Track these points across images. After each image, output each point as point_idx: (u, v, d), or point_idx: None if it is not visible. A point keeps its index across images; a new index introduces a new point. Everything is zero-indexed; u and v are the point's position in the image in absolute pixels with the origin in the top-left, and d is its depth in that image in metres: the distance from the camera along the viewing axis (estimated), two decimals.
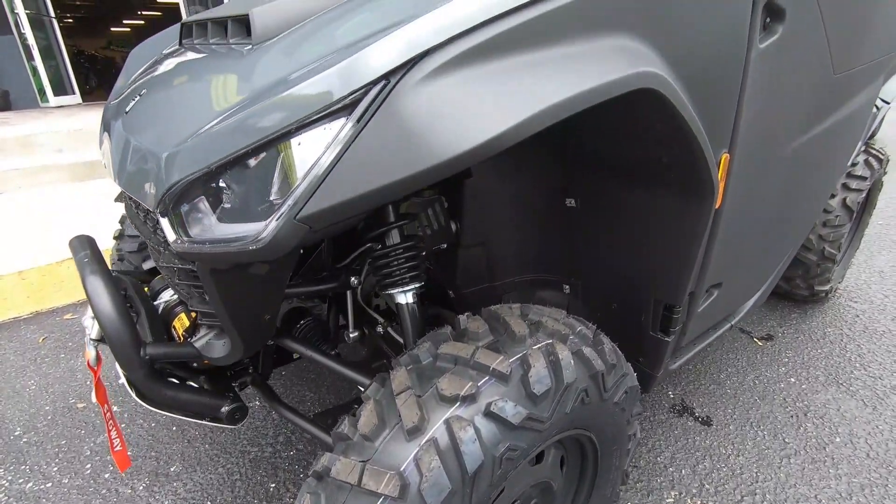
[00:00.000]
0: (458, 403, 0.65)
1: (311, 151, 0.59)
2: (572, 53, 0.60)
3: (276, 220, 0.59)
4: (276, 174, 0.62)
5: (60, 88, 7.15)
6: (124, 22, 16.99)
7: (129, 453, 1.42)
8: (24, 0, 6.40)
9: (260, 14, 0.80)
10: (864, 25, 1.14)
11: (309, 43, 0.69)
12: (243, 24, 0.85)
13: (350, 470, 0.63)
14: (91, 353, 1.02)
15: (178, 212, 0.71)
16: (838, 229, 1.83)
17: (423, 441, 0.62)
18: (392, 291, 0.91)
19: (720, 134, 0.82)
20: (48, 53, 6.85)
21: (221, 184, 0.67)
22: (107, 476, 1.36)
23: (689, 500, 1.25)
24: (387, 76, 0.55)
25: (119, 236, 1.62)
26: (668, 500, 1.25)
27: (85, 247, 1.00)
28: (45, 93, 6.82)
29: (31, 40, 6.50)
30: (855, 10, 1.07)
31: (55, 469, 1.39)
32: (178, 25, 1.48)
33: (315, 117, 0.57)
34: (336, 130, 0.56)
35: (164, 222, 0.72)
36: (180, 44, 1.15)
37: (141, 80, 1.04)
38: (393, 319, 1.15)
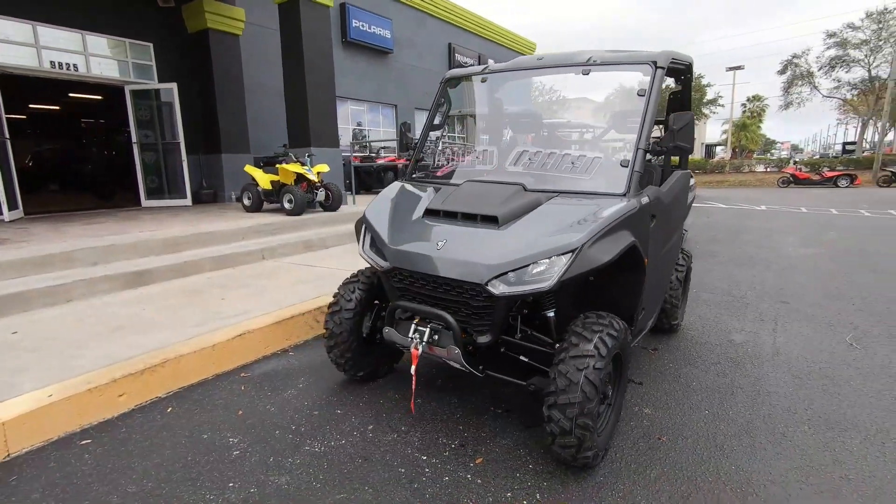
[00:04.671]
0: (597, 335, 2.20)
1: (560, 262, 2.16)
2: (618, 235, 2.29)
3: (554, 279, 2.13)
4: (545, 268, 2.18)
5: (10, 204, 7.39)
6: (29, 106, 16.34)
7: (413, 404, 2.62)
8: None
9: (503, 214, 2.39)
10: (673, 213, 3.12)
11: (534, 229, 2.30)
12: (490, 218, 2.41)
13: (576, 354, 2.14)
14: (421, 349, 2.37)
15: (495, 283, 2.22)
16: (676, 291, 3.79)
17: (592, 344, 2.16)
18: (545, 311, 2.45)
19: (645, 251, 2.56)
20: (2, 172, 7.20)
21: (516, 271, 2.20)
22: (370, 435, 2.54)
23: (641, 408, 2.85)
24: (581, 247, 2.16)
25: (338, 310, 2.88)
26: (635, 409, 2.83)
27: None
28: None
29: None
30: (670, 211, 3.02)
31: (331, 436, 2.53)
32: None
33: (560, 253, 2.16)
34: (567, 258, 2.15)
35: (489, 287, 2.22)
36: (424, 217, 2.65)
37: (431, 236, 2.50)
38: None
